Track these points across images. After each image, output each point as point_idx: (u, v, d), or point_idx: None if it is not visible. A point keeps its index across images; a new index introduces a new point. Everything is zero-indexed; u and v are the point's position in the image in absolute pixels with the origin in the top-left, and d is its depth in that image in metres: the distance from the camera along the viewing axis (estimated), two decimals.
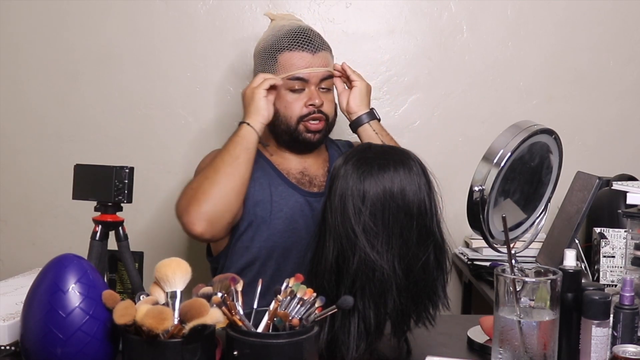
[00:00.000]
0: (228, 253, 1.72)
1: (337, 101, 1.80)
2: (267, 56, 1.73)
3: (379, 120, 1.77)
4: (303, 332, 1.11)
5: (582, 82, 2.35)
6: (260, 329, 1.15)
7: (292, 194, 1.72)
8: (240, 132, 1.64)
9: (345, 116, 1.79)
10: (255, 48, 1.81)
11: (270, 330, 1.15)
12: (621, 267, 1.78)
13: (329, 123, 1.76)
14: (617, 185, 1.63)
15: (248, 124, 1.64)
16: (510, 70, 2.33)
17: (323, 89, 1.74)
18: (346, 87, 1.79)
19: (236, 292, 1.16)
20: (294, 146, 1.76)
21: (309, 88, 1.71)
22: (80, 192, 1.50)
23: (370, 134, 1.73)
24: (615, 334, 1.23)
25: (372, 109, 1.77)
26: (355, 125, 1.76)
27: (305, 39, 1.72)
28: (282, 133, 1.74)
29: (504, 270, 1.22)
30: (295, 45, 1.71)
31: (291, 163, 1.77)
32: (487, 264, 2.05)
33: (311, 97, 1.71)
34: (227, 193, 1.57)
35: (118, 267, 1.59)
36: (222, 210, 1.56)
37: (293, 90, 1.70)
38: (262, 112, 1.65)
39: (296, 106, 1.71)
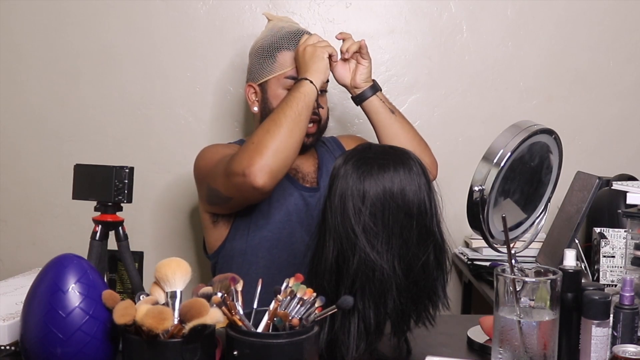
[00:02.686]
0: (226, 243, 1.73)
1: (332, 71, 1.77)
2: (266, 54, 1.74)
3: (381, 90, 1.80)
4: (303, 332, 1.11)
5: (582, 82, 2.35)
6: (260, 329, 1.15)
7: (288, 186, 1.73)
8: (302, 89, 1.60)
9: (347, 89, 1.80)
10: (252, 47, 1.81)
11: (270, 330, 1.15)
12: (621, 267, 1.78)
13: (322, 126, 1.78)
14: (617, 185, 1.63)
15: (311, 82, 1.61)
16: (510, 70, 2.33)
17: (320, 91, 1.74)
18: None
19: (236, 292, 1.16)
20: None
21: None
22: (80, 192, 1.50)
23: (376, 104, 1.76)
24: (615, 334, 1.23)
25: (374, 81, 1.79)
26: (361, 97, 1.77)
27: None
28: None
29: (504, 270, 1.22)
30: (294, 45, 1.71)
31: None
32: (487, 264, 2.05)
33: None
34: (288, 148, 1.54)
35: (118, 267, 1.59)
36: (282, 164, 1.53)
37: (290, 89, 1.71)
38: (325, 71, 1.64)
39: None
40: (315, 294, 1.16)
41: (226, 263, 1.74)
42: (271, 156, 1.51)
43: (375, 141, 1.91)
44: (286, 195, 1.73)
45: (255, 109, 1.77)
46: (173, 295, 1.13)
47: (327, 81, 1.77)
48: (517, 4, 2.31)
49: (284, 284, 1.18)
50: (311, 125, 1.73)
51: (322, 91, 1.77)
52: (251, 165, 1.50)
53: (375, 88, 1.78)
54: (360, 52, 1.77)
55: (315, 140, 1.78)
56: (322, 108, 1.75)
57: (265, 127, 1.56)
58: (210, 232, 1.77)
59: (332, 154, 1.85)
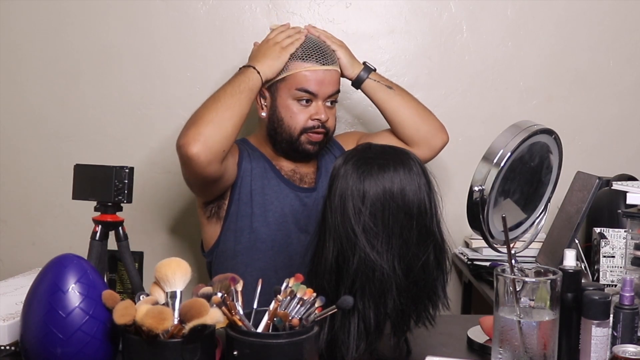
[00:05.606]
0: (219, 243, 1.73)
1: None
2: None
3: (374, 70, 1.83)
4: (303, 332, 1.11)
5: (582, 82, 2.35)
6: (260, 329, 1.15)
7: (284, 188, 1.74)
8: (248, 74, 1.64)
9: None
10: None
11: (270, 330, 1.15)
12: (621, 267, 1.78)
13: (329, 137, 1.77)
14: (617, 185, 1.63)
15: (258, 73, 1.64)
16: (510, 70, 2.33)
17: (329, 103, 1.74)
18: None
19: (236, 292, 1.16)
20: (291, 154, 1.76)
21: (317, 102, 1.72)
22: (80, 192, 1.50)
23: (372, 84, 1.81)
24: (615, 334, 1.23)
25: (364, 63, 1.82)
26: (358, 81, 1.81)
27: (319, 52, 1.72)
28: (282, 140, 1.74)
29: (504, 270, 1.22)
30: (309, 56, 1.71)
31: (283, 162, 1.79)
32: (487, 264, 2.05)
33: (318, 112, 1.72)
34: (226, 120, 1.56)
35: (118, 267, 1.59)
36: (218, 135, 1.54)
37: (299, 100, 1.71)
38: (275, 70, 1.67)
39: (301, 117, 1.71)
40: (315, 294, 1.16)
41: (221, 264, 1.74)
42: (204, 125, 1.54)
43: (370, 129, 1.92)
44: (282, 197, 1.73)
45: (263, 114, 1.76)
46: (173, 295, 1.13)
47: (338, 92, 1.77)
48: (517, 4, 2.31)
49: (284, 284, 1.18)
50: (318, 135, 1.73)
51: (333, 102, 1.76)
52: (185, 135, 1.54)
53: (368, 69, 1.81)
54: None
55: (319, 149, 1.77)
56: (328, 120, 1.74)
57: (204, 102, 1.61)
58: (205, 228, 1.78)
59: (331, 153, 1.86)
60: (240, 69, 1.68)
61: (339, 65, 1.78)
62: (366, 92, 1.83)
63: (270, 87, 1.73)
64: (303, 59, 1.70)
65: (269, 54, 1.68)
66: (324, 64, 1.71)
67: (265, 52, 1.69)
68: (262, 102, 1.76)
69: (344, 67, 1.78)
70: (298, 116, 1.71)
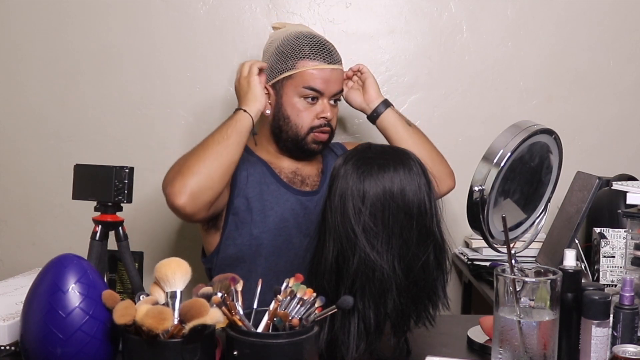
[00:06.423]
0: (219, 251, 1.72)
1: (345, 99, 1.85)
2: (285, 58, 1.72)
3: (392, 105, 1.85)
4: (303, 332, 1.11)
5: (582, 82, 2.35)
6: (260, 329, 1.16)
7: (284, 192, 1.72)
8: (235, 116, 1.64)
9: (362, 110, 1.86)
10: (268, 47, 1.77)
11: (270, 330, 1.15)
12: (621, 267, 1.78)
13: (332, 135, 1.78)
14: (617, 185, 1.63)
15: (245, 110, 1.65)
16: (510, 70, 2.33)
17: (332, 102, 1.75)
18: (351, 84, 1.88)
19: (236, 292, 1.16)
20: (295, 153, 1.76)
21: (322, 100, 1.72)
22: (80, 192, 1.50)
23: (392, 117, 1.82)
24: (615, 334, 1.23)
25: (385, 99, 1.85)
26: (376, 113, 1.83)
27: (326, 51, 1.72)
28: (287, 138, 1.73)
29: (504, 270, 1.22)
30: (316, 55, 1.71)
31: (284, 163, 1.78)
32: (487, 264, 2.05)
33: (324, 110, 1.72)
34: (213, 171, 1.56)
35: (118, 267, 1.59)
36: (205, 186, 1.54)
37: (305, 98, 1.71)
38: (259, 99, 1.67)
39: (308, 116, 1.71)
40: (315, 294, 1.16)
41: (222, 271, 1.72)
42: (193, 178, 1.53)
43: (370, 129, 1.93)
44: (282, 202, 1.72)
45: (268, 111, 1.76)
46: (173, 295, 1.13)
47: (342, 91, 1.77)
48: (517, 4, 2.31)
49: (284, 284, 1.18)
50: (324, 134, 1.74)
51: (336, 101, 1.77)
52: (172, 185, 1.53)
53: (387, 103, 1.83)
54: (361, 72, 1.86)
55: (323, 148, 1.78)
56: (331, 119, 1.74)
57: (194, 149, 1.61)
58: (205, 238, 1.77)
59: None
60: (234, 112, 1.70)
61: (366, 95, 1.83)
62: (384, 124, 1.82)
63: (275, 84, 1.72)
64: (310, 58, 1.70)
65: (241, 91, 1.70)
66: (330, 63, 1.72)
67: (239, 92, 1.71)
68: (267, 99, 1.75)
69: (371, 98, 1.82)
70: (304, 114, 1.71)
